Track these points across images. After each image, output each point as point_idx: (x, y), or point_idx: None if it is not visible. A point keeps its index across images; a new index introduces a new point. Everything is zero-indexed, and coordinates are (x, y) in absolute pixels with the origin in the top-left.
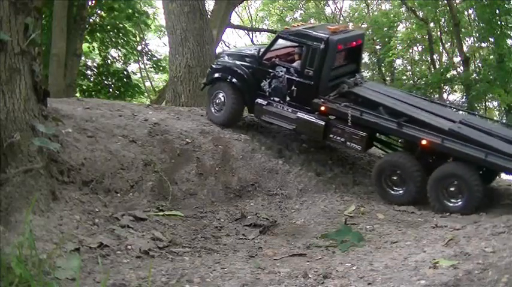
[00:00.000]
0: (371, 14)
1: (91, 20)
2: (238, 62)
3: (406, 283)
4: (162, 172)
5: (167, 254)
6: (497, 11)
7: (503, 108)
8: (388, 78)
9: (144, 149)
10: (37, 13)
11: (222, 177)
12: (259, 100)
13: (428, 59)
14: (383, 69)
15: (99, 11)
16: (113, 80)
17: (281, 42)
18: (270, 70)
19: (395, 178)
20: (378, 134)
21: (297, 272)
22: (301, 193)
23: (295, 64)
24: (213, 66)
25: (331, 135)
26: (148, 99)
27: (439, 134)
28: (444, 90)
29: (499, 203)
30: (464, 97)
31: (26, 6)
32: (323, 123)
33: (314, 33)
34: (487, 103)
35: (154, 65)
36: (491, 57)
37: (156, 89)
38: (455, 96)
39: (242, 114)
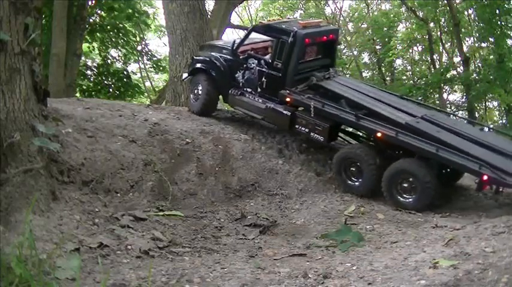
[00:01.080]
0: (371, 14)
1: (91, 20)
2: (216, 54)
3: (406, 283)
4: (162, 172)
5: (167, 254)
6: (497, 11)
7: (503, 108)
8: (388, 78)
9: (144, 149)
10: (37, 13)
11: (222, 177)
12: (232, 90)
13: (428, 59)
14: (383, 69)
15: (99, 11)
16: (113, 80)
17: (258, 36)
18: (244, 62)
19: (353, 169)
20: (343, 126)
21: (297, 272)
22: (301, 193)
23: (266, 57)
24: (194, 57)
25: (296, 126)
26: (148, 99)
27: (395, 127)
28: (444, 90)
29: (499, 203)
30: (464, 97)
31: (26, 6)
32: (289, 114)
33: (283, 27)
34: (487, 103)
35: (154, 65)
36: (491, 57)
37: (156, 89)
38: (455, 96)
39: (217, 104)
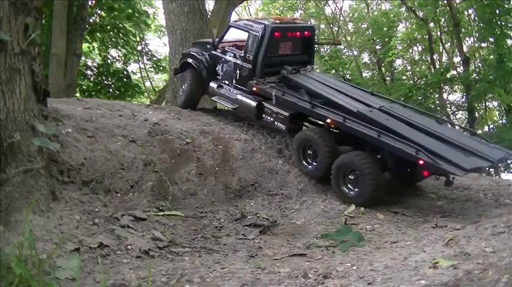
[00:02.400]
0: (371, 14)
1: (91, 20)
2: (201, 50)
3: (406, 283)
4: (162, 172)
5: (167, 254)
6: (497, 11)
7: (503, 108)
8: (388, 78)
9: (144, 149)
10: (37, 13)
11: (222, 177)
12: (211, 83)
13: (428, 59)
14: (383, 69)
15: (99, 11)
16: (113, 80)
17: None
18: (222, 56)
19: (309, 152)
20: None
21: (297, 272)
22: (301, 193)
23: (241, 50)
24: (183, 53)
25: (263, 116)
26: (148, 99)
27: (346, 115)
28: (444, 90)
29: (499, 203)
30: (464, 97)
31: (26, 6)
32: (256, 103)
33: (256, 21)
34: (487, 103)
35: (154, 65)
36: (491, 57)
37: (156, 89)
38: (455, 96)
39: (199, 98)
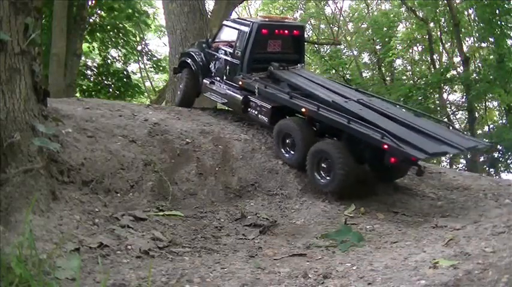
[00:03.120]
0: (371, 14)
1: (91, 20)
2: (198, 49)
3: (406, 283)
4: (162, 172)
5: (167, 254)
6: (497, 11)
7: (503, 108)
8: (388, 78)
9: (144, 149)
10: (37, 13)
11: (222, 177)
12: (205, 80)
13: (428, 59)
14: (383, 69)
15: (99, 11)
16: (113, 80)
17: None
18: (215, 53)
19: (288, 141)
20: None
21: (297, 272)
22: (301, 193)
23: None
24: (182, 52)
25: (249, 109)
26: (148, 99)
27: (320, 105)
28: (444, 90)
29: (499, 203)
30: (464, 97)
31: (26, 6)
32: (241, 97)
33: (246, 19)
34: (487, 103)
35: (154, 65)
36: (491, 57)
37: (156, 89)
38: (455, 96)
39: (195, 96)
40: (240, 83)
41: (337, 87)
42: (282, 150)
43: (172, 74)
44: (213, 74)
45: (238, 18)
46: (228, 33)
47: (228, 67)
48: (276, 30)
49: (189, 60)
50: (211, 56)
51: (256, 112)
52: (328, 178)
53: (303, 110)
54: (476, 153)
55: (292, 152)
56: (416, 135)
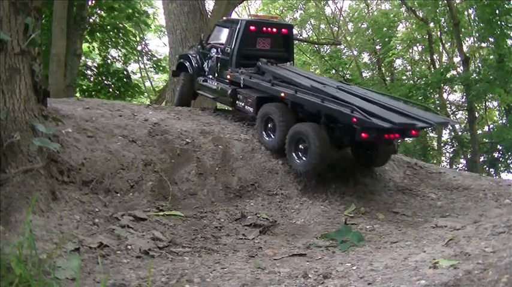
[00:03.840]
0: (371, 14)
1: (91, 20)
2: (194, 51)
3: (406, 283)
4: (162, 172)
5: (167, 254)
6: (497, 11)
7: (503, 108)
8: (388, 78)
9: (144, 149)
10: (37, 13)
11: (222, 177)
12: (199, 78)
13: (428, 59)
14: (383, 69)
15: (99, 11)
16: (113, 80)
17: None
18: (208, 53)
19: (270, 125)
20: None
21: (297, 272)
22: (301, 193)
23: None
24: (179, 55)
25: (237, 102)
26: (148, 99)
27: (299, 88)
28: (444, 90)
29: (499, 203)
30: (464, 97)
31: (26, 6)
32: (230, 90)
33: (236, 18)
34: (487, 103)
35: (154, 65)
36: (491, 57)
37: (156, 89)
38: (455, 96)
39: (191, 98)
40: (228, 76)
41: (320, 78)
42: (264, 133)
43: (172, 76)
44: (206, 73)
45: (229, 18)
46: (220, 33)
47: (219, 64)
48: (264, 28)
49: (186, 63)
50: (205, 56)
51: (243, 104)
52: (304, 158)
53: (282, 94)
54: (477, 154)
55: (272, 136)
56: (387, 111)
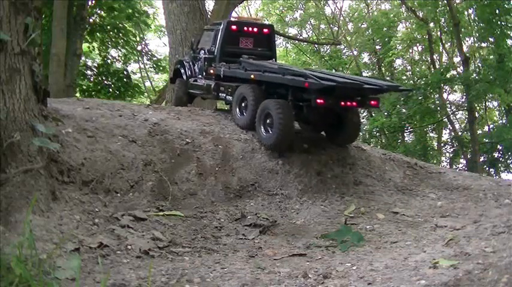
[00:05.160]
0: (371, 14)
1: (91, 20)
2: (187, 56)
3: (406, 283)
4: (162, 172)
5: (167, 254)
6: (497, 11)
7: (503, 108)
8: (388, 78)
9: (144, 149)
10: (37, 13)
11: (222, 177)
12: (190, 79)
13: (428, 59)
14: (383, 69)
15: (99, 11)
16: (113, 80)
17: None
18: (198, 55)
19: (243, 104)
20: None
21: (297, 272)
22: (301, 193)
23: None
24: (175, 61)
25: (219, 94)
26: (148, 99)
27: (267, 69)
28: (444, 90)
29: (499, 203)
30: (464, 97)
31: (26, 6)
32: (213, 83)
33: (220, 20)
34: (487, 103)
35: (154, 65)
36: (491, 57)
37: (156, 89)
38: (455, 96)
39: (187, 101)
40: (212, 71)
41: (292, 67)
42: (237, 111)
43: (170, 83)
44: (197, 74)
45: (214, 22)
46: (208, 37)
47: (205, 63)
48: (245, 28)
49: (182, 70)
50: (195, 59)
51: (225, 94)
52: (270, 132)
53: (252, 76)
54: (477, 154)
55: (244, 114)
56: (339, 77)
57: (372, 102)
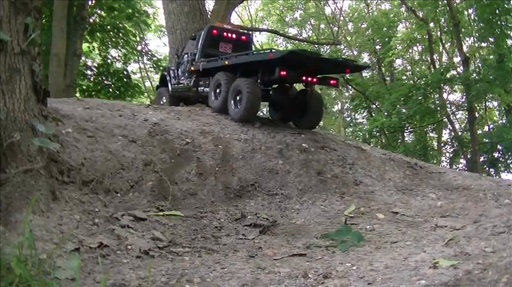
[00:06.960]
0: (371, 14)
1: (91, 20)
2: (173, 63)
3: (406, 283)
4: (162, 172)
5: (167, 254)
6: (497, 11)
7: (503, 108)
8: (388, 78)
9: (144, 149)
10: (37, 13)
11: (222, 177)
12: (174, 82)
13: (428, 59)
14: (383, 69)
15: (99, 11)
16: (113, 80)
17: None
18: (182, 60)
19: (218, 90)
20: None
21: (297, 272)
22: (301, 193)
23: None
24: (162, 68)
25: (199, 89)
26: (148, 99)
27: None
28: (444, 90)
29: (499, 203)
30: (464, 97)
31: (26, 6)
32: (193, 79)
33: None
34: (487, 103)
35: (154, 65)
36: (491, 57)
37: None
38: (455, 96)
39: (177, 101)
40: (192, 68)
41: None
42: (213, 95)
43: (156, 89)
44: (180, 76)
45: (198, 30)
46: (192, 44)
47: (188, 65)
48: (225, 34)
49: (167, 78)
50: (179, 64)
51: (203, 88)
52: (238, 107)
53: (226, 62)
54: (477, 154)
55: (218, 98)
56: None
57: (332, 81)
